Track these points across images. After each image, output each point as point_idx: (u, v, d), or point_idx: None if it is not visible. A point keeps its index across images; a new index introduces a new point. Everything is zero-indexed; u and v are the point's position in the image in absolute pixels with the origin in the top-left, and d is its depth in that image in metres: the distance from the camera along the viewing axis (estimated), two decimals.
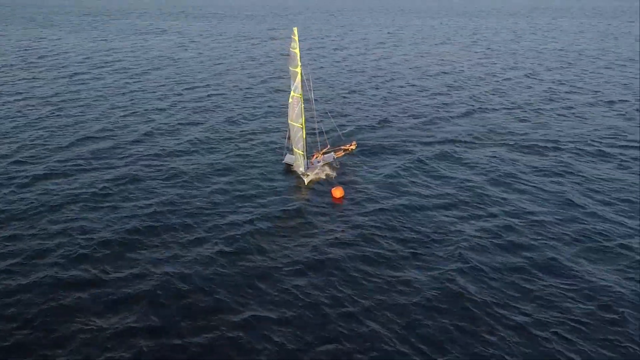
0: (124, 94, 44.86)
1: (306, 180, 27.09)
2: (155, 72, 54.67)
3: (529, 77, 54.65)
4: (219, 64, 60.28)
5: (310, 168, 27.99)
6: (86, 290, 17.65)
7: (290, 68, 26.84)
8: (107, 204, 23.77)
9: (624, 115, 39.77)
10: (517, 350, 15.19)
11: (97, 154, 30.20)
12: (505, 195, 25.44)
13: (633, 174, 28.13)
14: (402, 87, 49.27)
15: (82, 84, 48.34)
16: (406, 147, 31.95)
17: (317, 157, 28.57)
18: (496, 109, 41.60)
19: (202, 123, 36.63)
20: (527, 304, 17.26)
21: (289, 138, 29.16)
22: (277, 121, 37.50)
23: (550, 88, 49.16)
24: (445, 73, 56.27)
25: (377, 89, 48.34)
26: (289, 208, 23.87)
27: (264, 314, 16.62)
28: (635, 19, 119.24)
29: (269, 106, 41.83)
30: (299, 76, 26.14)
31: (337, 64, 61.08)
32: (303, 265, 19.31)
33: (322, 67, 58.47)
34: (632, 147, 32.25)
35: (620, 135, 34.82)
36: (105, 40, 78.56)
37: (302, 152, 27.68)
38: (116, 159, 29.47)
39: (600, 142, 33.05)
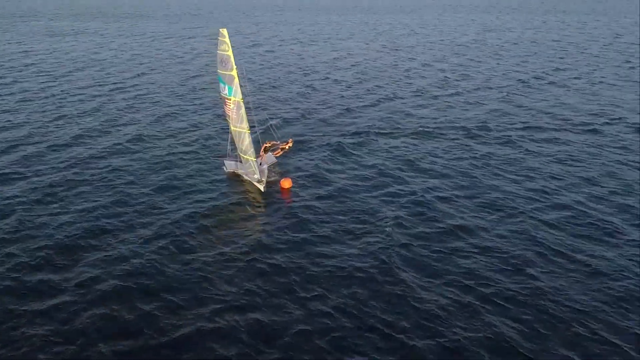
0: (47, 97, 41.62)
1: (263, 188, 24.38)
2: (78, 74, 51.26)
3: (424, 67, 56.67)
4: (142, 63, 57.55)
5: (262, 173, 25.36)
6: (30, 298, 16.52)
7: (221, 71, 24.33)
8: (45, 212, 22.11)
9: (505, 98, 42.31)
10: (435, 315, 16.02)
11: (27, 160, 27.89)
12: (418, 175, 26.44)
13: (519, 149, 30.18)
14: (317, 80, 49.47)
15: (2, 88, 44.59)
16: (328, 137, 32.12)
17: (261, 158, 26.72)
18: (401, 97, 42.88)
19: (132, 123, 34.91)
20: (446, 268, 18.24)
21: (231, 144, 26.50)
22: (208, 117, 36.51)
23: (445, 77, 51.28)
24: (354, 66, 57.04)
25: (293, 83, 48.23)
26: (228, 202, 23.37)
27: (210, 310, 16.09)
28: (508, 12, 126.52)
29: (199, 103, 40.55)
30: (236, 79, 23.76)
31: (255, 61, 60.28)
32: (246, 257, 19.09)
33: (240, 65, 57.42)
34: (516, 127, 34.46)
35: (505, 116, 37.10)
36: (20, 42, 72.47)
37: (254, 158, 24.83)
38: (48, 164, 27.40)
39: (488, 124, 35.00)
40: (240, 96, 24.14)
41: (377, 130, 33.61)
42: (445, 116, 37.15)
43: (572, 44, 73.21)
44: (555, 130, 33.82)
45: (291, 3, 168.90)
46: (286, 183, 24.88)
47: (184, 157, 28.61)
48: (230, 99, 24.38)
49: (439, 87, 46.68)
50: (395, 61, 60.36)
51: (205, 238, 20.18)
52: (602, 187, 25.00)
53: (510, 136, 32.41)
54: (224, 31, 24.14)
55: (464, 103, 40.99)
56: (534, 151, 29.91)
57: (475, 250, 19.40)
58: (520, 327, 15.43)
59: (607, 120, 35.69)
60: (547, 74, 52.31)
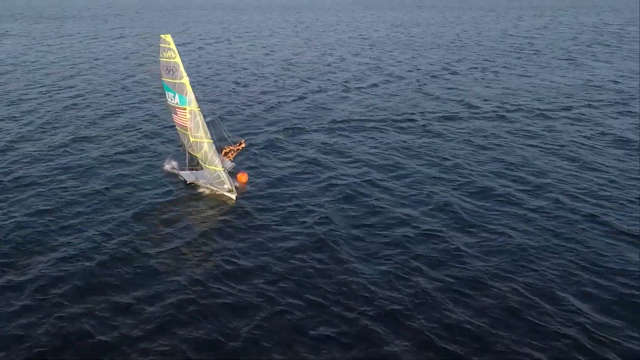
0: None
1: (234, 196, 21.70)
2: (6, 76, 46.92)
3: (344, 61, 57.02)
4: (72, 65, 53.46)
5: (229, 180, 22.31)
6: None
7: (168, 80, 21.83)
8: None
9: (418, 89, 43.57)
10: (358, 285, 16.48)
11: None
12: (347, 163, 26.78)
13: (435, 135, 31.31)
14: (245, 77, 48.41)
15: None
16: (260, 133, 31.56)
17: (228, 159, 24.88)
18: (325, 91, 42.97)
19: (67, 125, 32.48)
20: (377, 243, 18.74)
21: (188, 154, 23.79)
22: (143, 116, 34.75)
23: (359, 69, 51.94)
24: (279, 62, 56.25)
25: (223, 81, 46.94)
26: (173, 198, 22.40)
27: (159, 309, 15.35)
28: (411, 9, 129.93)
29: (132, 103, 38.44)
30: (188, 87, 21.33)
31: (183, 60, 58.00)
32: (193, 249, 18.58)
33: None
34: (431, 115, 35.65)
35: (419, 104, 38.20)
36: None
37: (221, 167, 21.85)
38: None
39: (405, 113, 36.00)
40: (196, 105, 21.61)
41: (306, 123, 33.46)
42: (367, 107, 37.70)
43: (469, 37, 76.51)
44: (466, 116, 35.12)
45: (214, 2, 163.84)
46: (243, 177, 23.76)
47: (124, 157, 27.12)
48: (183, 109, 21.82)
49: (358, 80, 47.17)
50: (317, 56, 60.28)
51: (152, 235, 19.30)
52: (503, 163, 26.50)
53: (428, 124, 33.40)
54: (168, 37, 21.65)
55: (382, 94, 41.72)
56: (448, 136, 31.04)
57: (395, 222, 20.11)
58: (442, 285, 16.23)
59: (511, 107, 37.32)
60: (451, 65, 54.29)
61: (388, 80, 46.88)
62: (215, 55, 61.07)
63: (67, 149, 28.25)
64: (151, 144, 29.08)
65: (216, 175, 22.01)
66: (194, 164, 24.30)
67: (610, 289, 16.23)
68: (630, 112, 35.77)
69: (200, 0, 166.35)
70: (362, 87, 44.07)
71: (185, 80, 21.42)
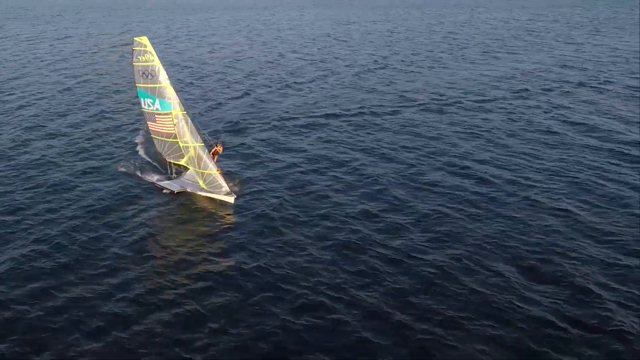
0: None
1: (233, 199, 20.21)
2: None
3: (285, 58, 56.93)
4: (16, 67, 50.20)
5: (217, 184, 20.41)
6: None
7: (145, 85, 19.84)
8: None
9: (355, 83, 44.45)
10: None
11: None
12: (293, 156, 27.14)
13: (373, 127, 32.32)
14: (189, 76, 47.51)
15: None
16: (206, 131, 30.99)
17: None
18: (268, 86, 43.01)
19: (11, 126, 30.90)
20: (328, 226, 19.53)
21: (170, 163, 21.72)
22: (90, 116, 33.46)
23: (303, 66, 51.95)
24: (222, 60, 55.28)
25: (176, 80, 45.71)
26: (127, 195, 21.95)
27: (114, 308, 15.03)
28: (346, 8, 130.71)
29: (79, 104, 36.81)
30: (170, 90, 19.58)
31: (124, 62, 55.83)
32: (148, 245, 18.56)
33: (115, 66, 52.96)
34: (368, 108, 36.63)
35: (357, 98, 39.06)
36: None
37: (216, 170, 20.03)
38: None
39: (344, 106, 36.85)
40: (181, 108, 19.74)
41: (251, 120, 33.35)
42: (308, 102, 38.13)
43: (400, 33, 77.82)
44: (401, 107, 36.03)
45: (153, 2, 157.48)
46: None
47: (72, 157, 26.15)
48: (166, 114, 19.81)
49: (298, 76, 47.32)
50: (259, 54, 59.81)
51: (108, 233, 18.92)
52: (435, 149, 27.92)
53: (366, 115, 34.25)
54: (144, 39, 19.41)
55: (322, 89, 42.24)
56: (385, 125, 31.99)
57: (341, 207, 20.93)
58: (388, 259, 17.20)
59: (442, 97, 38.67)
60: (385, 59, 55.18)
61: (328, 75, 47.44)
62: (158, 55, 58.91)
63: (5, 151, 26.93)
64: (102, 144, 28.23)
65: (212, 179, 20.11)
66: (169, 174, 22.49)
67: (533, 254, 17.70)
68: (548, 101, 37.93)
69: (138, 1, 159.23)
70: (304, 82, 44.46)
71: (167, 83, 19.63)
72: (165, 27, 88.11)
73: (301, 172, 24.53)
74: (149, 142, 25.06)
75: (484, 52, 59.23)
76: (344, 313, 14.74)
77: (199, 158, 20.02)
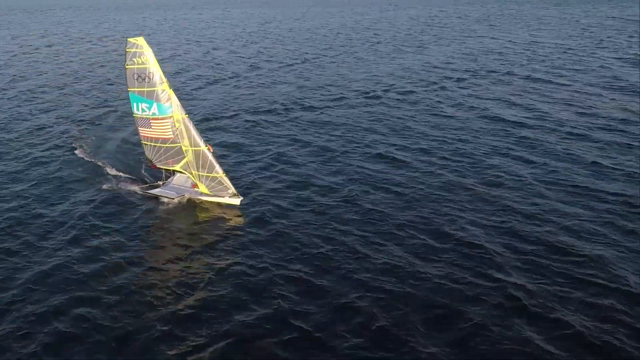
0: None
1: (239, 201, 18.51)
2: None
3: (230, 54, 55.66)
4: None
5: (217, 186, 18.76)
6: None
7: (140, 89, 17.58)
8: None
9: (301, 75, 44.37)
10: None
11: None
12: (255, 145, 27.21)
13: (324, 114, 32.84)
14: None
15: None
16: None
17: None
18: (219, 82, 42.27)
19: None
20: (297, 210, 19.92)
21: (166, 172, 19.67)
22: (52, 118, 31.65)
23: (251, 61, 51.42)
24: (168, 59, 52.96)
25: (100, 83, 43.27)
26: (112, 194, 21.12)
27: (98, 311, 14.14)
28: (273, 6, 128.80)
29: (37, 105, 34.65)
30: (169, 93, 17.55)
31: (64, 62, 52.87)
32: (133, 242, 17.98)
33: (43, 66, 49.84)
34: (316, 98, 36.86)
35: (305, 88, 39.21)
36: None
37: (222, 173, 18.29)
38: None
39: (294, 97, 36.62)
40: (182, 112, 17.72)
41: (211, 113, 32.72)
42: (258, 94, 37.65)
43: (335, 29, 77.71)
44: (345, 98, 36.63)
45: (85, 2, 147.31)
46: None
47: (43, 159, 24.80)
48: (164, 118, 17.76)
49: (245, 71, 46.53)
50: (204, 52, 57.86)
51: (106, 241, 17.73)
52: (378, 133, 28.91)
53: (317, 106, 34.56)
54: (140, 40, 17.13)
55: (271, 82, 41.78)
56: (336, 115, 32.58)
57: (298, 187, 21.37)
58: (359, 238, 17.69)
59: (374, 88, 39.44)
60: (323, 54, 55.10)
61: (273, 69, 46.91)
62: (91, 54, 56.40)
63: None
64: (62, 147, 26.91)
65: (218, 181, 18.51)
66: (152, 181, 20.35)
67: (475, 224, 18.71)
68: (463, 87, 39.64)
69: (70, 1, 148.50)
70: (251, 77, 43.71)
71: (166, 86, 17.49)
72: (105, 28, 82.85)
73: (270, 158, 24.56)
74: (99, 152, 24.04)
75: (404, 46, 59.64)
76: (345, 318, 13.89)
77: (204, 161, 18.28)
